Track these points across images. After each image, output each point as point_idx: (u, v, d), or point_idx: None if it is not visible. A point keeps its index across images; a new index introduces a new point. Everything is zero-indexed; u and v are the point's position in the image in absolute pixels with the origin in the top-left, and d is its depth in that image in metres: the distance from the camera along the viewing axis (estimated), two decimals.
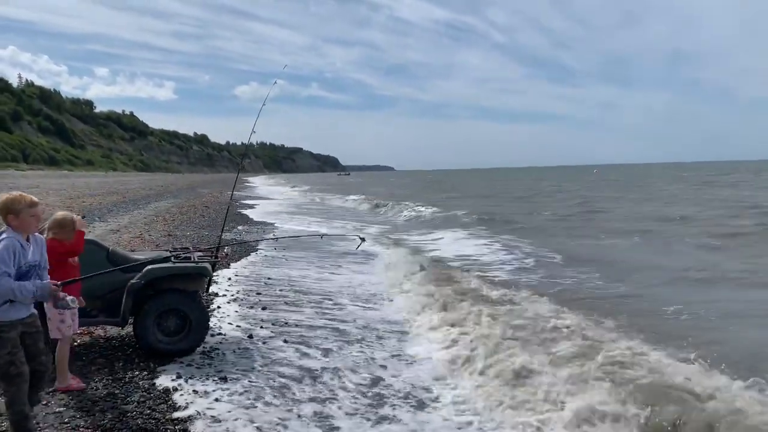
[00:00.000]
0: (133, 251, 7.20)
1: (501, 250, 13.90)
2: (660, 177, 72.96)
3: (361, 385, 5.29)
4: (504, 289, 8.93)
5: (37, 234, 3.80)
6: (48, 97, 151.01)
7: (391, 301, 8.75)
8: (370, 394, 5.08)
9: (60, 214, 4.96)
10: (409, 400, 4.97)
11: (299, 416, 4.55)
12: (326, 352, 6.15)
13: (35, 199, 3.71)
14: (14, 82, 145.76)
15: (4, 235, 3.54)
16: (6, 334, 3.55)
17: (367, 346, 6.45)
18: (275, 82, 7.57)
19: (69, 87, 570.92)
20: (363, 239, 7.37)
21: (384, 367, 5.78)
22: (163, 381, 5.10)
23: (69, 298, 3.81)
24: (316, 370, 5.57)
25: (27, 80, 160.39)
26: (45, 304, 4.33)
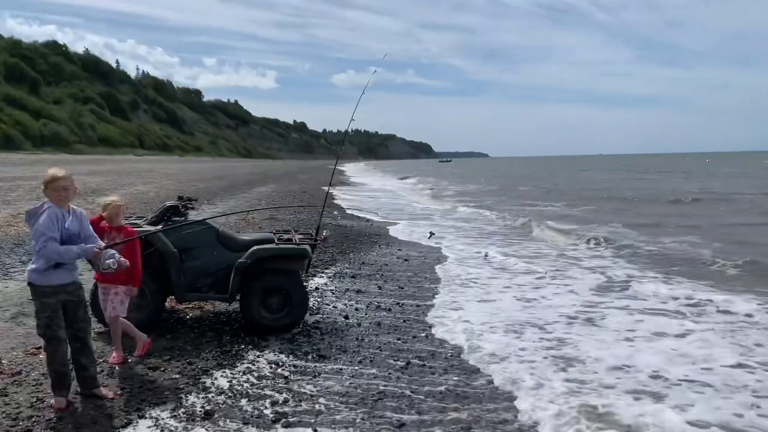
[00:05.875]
0: (239, 232, 7.61)
1: None
2: None
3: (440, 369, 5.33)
4: None
5: (76, 208, 4.11)
6: (162, 87, 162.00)
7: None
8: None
9: (109, 198, 5.12)
10: None
11: (392, 396, 4.67)
12: (411, 341, 6.24)
13: (59, 173, 3.97)
14: (132, 73, 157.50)
15: (45, 206, 3.94)
16: (47, 299, 3.94)
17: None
18: (375, 71, 7.43)
19: (181, 77, 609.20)
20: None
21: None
22: (267, 355, 5.41)
23: (109, 261, 4.17)
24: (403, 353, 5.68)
25: (143, 71, 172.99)
26: (99, 293, 4.99)
